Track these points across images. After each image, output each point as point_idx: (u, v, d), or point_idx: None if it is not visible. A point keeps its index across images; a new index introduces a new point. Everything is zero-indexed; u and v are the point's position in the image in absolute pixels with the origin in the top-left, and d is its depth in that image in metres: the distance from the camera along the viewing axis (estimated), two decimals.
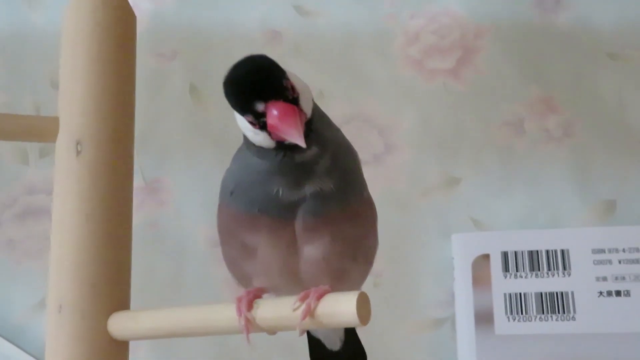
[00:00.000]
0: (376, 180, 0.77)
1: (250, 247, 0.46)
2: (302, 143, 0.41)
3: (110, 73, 0.52)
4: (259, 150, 0.45)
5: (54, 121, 0.52)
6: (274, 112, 0.42)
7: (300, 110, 0.43)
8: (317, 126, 0.45)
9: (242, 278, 0.49)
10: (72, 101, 0.51)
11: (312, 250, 0.46)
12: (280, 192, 0.44)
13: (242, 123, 0.44)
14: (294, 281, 0.47)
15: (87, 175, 0.50)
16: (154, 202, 0.79)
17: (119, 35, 0.53)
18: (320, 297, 0.42)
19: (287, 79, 0.43)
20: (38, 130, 0.52)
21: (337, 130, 0.48)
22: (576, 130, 0.79)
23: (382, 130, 0.80)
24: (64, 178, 0.51)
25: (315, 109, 0.46)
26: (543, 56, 0.82)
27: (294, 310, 0.42)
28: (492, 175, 0.78)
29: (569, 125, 0.79)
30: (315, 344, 0.59)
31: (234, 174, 0.47)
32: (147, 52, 0.83)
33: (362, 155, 0.49)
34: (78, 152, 0.50)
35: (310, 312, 0.42)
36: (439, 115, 0.81)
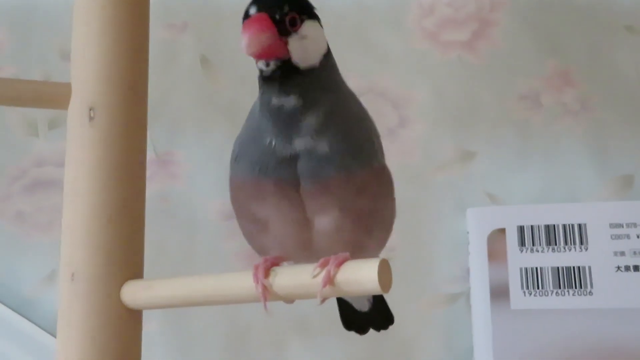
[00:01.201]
0: (390, 154, 0.74)
1: (261, 220, 0.46)
2: (247, 50, 0.41)
3: (123, 38, 0.51)
4: (260, 87, 0.45)
5: (66, 87, 0.51)
6: (250, 17, 0.42)
7: (282, 41, 0.42)
8: (307, 82, 0.43)
9: (260, 250, 0.49)
10: (85, 67, 0.50)
11: (323, 223, 0.45)
12: (273, 143, 0.43)
13: None
14: (309, 253, 0.46)
15: (101, 141, 0.49)
16: (166, 175, 0.78)
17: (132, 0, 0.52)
18: (340, 264, 0.41)
19: (298, 13, 0.43)
20: (50, 96, 0.51)
21: (352, 99, 0.47)
22: (593, 104, 0.78)
23: (396, 104, 0.79)
24: (76, 145, 0.50)
25: (323, 71, 0.45)
26: (560, 29, 0.81)
27: (314, 277, 0.42)
28: (508, 149, 0.77)
29: (586, 99, 0.78)
30: (344, 306, 0.59)
31: (240, 137, 0.47)
32: (158, 23, 0.82)
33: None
34: (91, 119, 0.49)
35: (330, 279, 0.41)
36: (454, 89, 0.79)
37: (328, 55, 0.46)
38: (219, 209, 0.76)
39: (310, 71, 0.44)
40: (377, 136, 0.48)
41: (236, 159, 0.46)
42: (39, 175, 0.79)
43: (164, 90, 0.80)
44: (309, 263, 0.46)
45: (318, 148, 0.43)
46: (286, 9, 0.43)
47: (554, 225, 0.71)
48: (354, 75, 0.80)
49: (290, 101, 0.43)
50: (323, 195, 0.44)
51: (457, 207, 0.75)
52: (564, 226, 0.71)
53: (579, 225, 0.70)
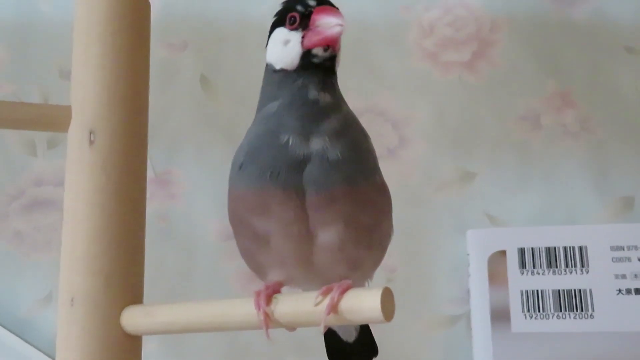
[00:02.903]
0: (390, 174, 0.74)
1: (262, 235, 0.45)
2: (333, 29, 0.44)
3: (124, 61, 0.51)
4: (279, 85, 0.46)
5: (67, 110, 0.51)
6: (325, 5, 0.46)
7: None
8: (337, 86, 0.47)
9: (257, 268, 0.48)
10: (85, 90, 0.50)
11: (327, 237, 0.45)
12: (290, 141, 0.44)
13: (274, 44, 0.48)
14: (308, 270, 0.46)
15: (101, 165, 0.49)
16: (164, 195, 0.78)
17: (133, 22, 0.52)
18: (343, 292, 0.41)
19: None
20: (50, 119, 0.51)
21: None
22: (593, 125, 0.78)
23: (396, 124, 0.79)
24: (76, 168, 0.49)
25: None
26: (560, 50, 0.81)
27: (317, 304, 0.41)
28: (508, 170, 0.77)
29: (586, 120, 0.78)
30: (330, 336, 0.58)
31: (245, 145, 0.46)
32: (158, 42, 0.82)
33: (376, 149, 0.48)
34: (91, 142, 0.49)
35: (334, 307, 0.41)
36: (454, 109, 0.79)
37: None
38: (218, 229, 0.76)
39: (336, 78, 0.47)
40: (374, 150, 0.49)
41: (241, 167, 0.46)
42: (37, 194, 0.78)
43: (163, 109, 0.80)
44: (308, 283, 0.47)
45: (330, 153, 0.44)
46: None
47: (555, 248, 0.70)
48: (354, 94, 0.80)
49: (327, 97, 0.45)
50: (328, 207, 0.44)
51: (457, 228, 0.74)
52: (565, 248, 0.70)
53: (580, 248, 0.70)
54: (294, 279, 0.47)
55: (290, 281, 0.48)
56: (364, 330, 0.59)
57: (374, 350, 0.61)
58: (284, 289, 0.46)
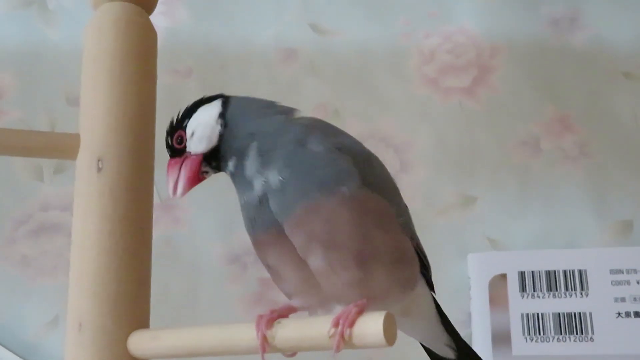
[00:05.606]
0: None
1: (273, 267, 0.47)
2: (172, 193, 0.49)
3: (131, 90, 0.52)
4: None
5: (75, 138, 0.52)
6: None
7: (189, 158, 0.49)
8: (225, 147, 0.48)
9: (287, 295, 0.49)
10: (93, 118, 0.51)
11: (314, 264, 0.45)
12: (245, 199, 0.47)
13: None
14: (322, 296, 0.47)
15: (108, 192, 0.50)
16: (169, 220, 0.79)
17: (140, 51, 0.53)
18: (352, 323, 0.41)
19: (180, 129, 0.50)
20: (59, 147, 0.52)
21: (293, 128, 0.47)
22: (592, 149, 0.79)
23: (397, 149, 0.80)
24: (84, 195, 0.50)
25: (230, 127, 0.49)
26: (559, 75, 0.82)
27: (330, 337, 0.42)
28: (508, 194, 0.78)
29: (585, 144, 0.79)
30: (431, 353, 0.57)
31: None
32: (163, 69, 0.82)
33: None
34: (99, 169, 0.50)
35: (343, 341, 0.41)
36: (455, 134, 0.80)
37: (226, 112, 0.50)
38: (222, 253, 0.77)
39: (221, 137, 0.49)
40: (353, 162, 0.46)
41: (244, 222, 0.49)
42: (44, 219, 0.79)
43: None
44: (331, 307, 0.48)
45: (270, 180, 0.45)
46: (169, 141, 0.50)
47: (555, 271, 0.71)
48: (356, 120, 0.81)
49: (231, 168, 0.48)
50: (297, 231, 0.44)
51: (458, 252, 0.75)
52: (565, 272, 0.71)
53: (580, 271, 0.71)
54: (313, 305, 0.48)
55: (310, 307, 0.48)
56: (463, 347, 0.57)
57: None
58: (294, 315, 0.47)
